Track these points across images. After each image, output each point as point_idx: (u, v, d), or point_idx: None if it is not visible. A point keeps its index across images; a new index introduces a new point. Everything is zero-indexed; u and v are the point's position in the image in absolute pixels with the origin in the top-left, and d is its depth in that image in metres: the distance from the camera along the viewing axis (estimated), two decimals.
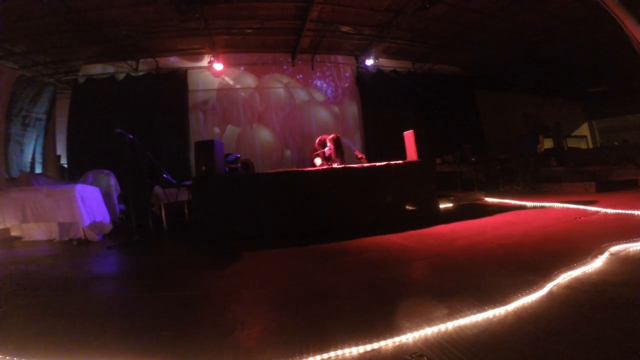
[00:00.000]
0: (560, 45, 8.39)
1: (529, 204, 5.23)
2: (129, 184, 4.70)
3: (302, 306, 1.98)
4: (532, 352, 1.31)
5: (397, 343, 1.44)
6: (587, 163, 7.60)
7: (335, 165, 5.25)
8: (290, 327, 1.70)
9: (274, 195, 4.43)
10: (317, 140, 6.04)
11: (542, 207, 4.87)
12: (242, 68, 8.67)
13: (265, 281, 2.56)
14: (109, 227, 4.96)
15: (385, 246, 3.36)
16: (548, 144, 10.52)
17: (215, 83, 8.53)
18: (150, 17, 6.48)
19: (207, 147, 4.39)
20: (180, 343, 1.58)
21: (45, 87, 8.08)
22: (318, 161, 5.70)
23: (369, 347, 1.42)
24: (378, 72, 9.31)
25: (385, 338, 1.46)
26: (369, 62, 8.70)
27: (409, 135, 5.21)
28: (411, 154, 5.17)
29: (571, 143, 12.25)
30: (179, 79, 8.22)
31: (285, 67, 8.97)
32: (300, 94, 9.03)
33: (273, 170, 5.92)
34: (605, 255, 2.37)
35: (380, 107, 9.22)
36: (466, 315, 1.62)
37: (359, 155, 5.83)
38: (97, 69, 8.13)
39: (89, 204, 4.71)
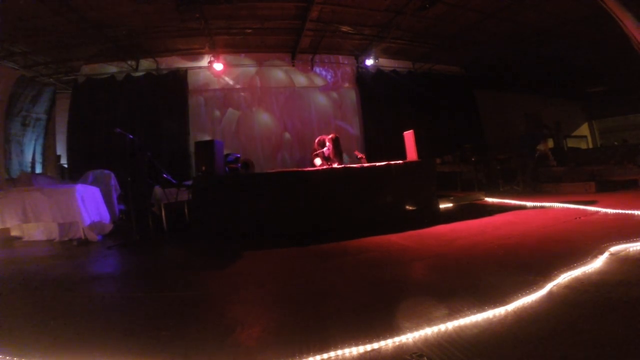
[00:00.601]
0: (560, 45, 8.39)
1: (529, 204, 5.23)
2: (129, 184, 4.69)
3: (302, 306, 1.99)
4: (532, 352, 1.30)
5: (397, 343, 1.44)
6: (587, 163, 7.60)
7: (335, 165, 5.25)
8: (290, 327, 1.69)
9: (274, 195, 4.42)
10: (316, 141, 6.04)
11: (542, 207, 4.87)
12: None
13: (265, 281, 2.56)
14: (109, 227, 4.96)
15: (385, 246, 3.36)
16: (548, 144, 10.50)
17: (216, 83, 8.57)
18: (150, 17, 6.48)
19: (207, 147, 4.39)
20: (180, 343, 1.58)
21: (45, 87, 8.08)
22: (318, 161, 5.70)
23: (369, 347, 1.42)
24: (378, 72, 9.32)
25: (385, 338, 1.46)
26: (369, 62, 8.70)
27: (409, 135, 5.20)
28: (411, 154, 5.17)
29: (571, 143, 12.25)
30: (179, 79, 8.23)
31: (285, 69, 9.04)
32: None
33: (273, 170, 5.92)
34: (605, 255, 2.37)
35: (380, 107, 9.23)
36: (466, 315, 1.62)
37: (359, 155, 5.83)
38: (97, 69, 8.13)
39: (89, 204, 4.71)
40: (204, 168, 4.34)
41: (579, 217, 3.94)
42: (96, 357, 1.46)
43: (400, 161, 5.03)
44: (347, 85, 9.41)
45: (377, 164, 4.85)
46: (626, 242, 2.58)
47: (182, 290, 2.47)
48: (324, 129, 8.12)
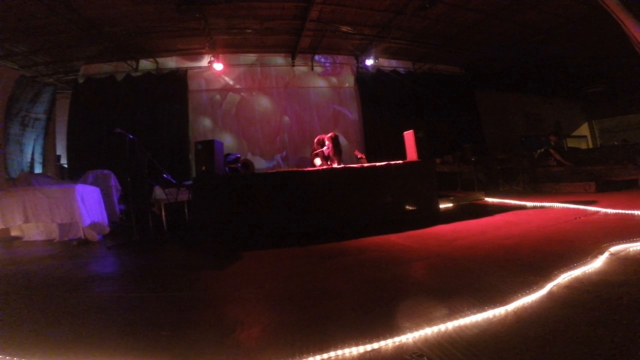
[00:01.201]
0: (560, 45, 8.40)
1: (529, 204, 5.23)
2: (129, 184, 4.69)
3: (302, 306, 1.98)
4: (532, 352, 1.30)
5: (397, 343, 1.44)
6: (587, 163, 7.60)
7: (335, 165, 5.25)
8: (290, 327, 1.69)
9: (274, 195, 4.43)
10: (315, 140, 6.04)
11: (542, 207, 4.87)
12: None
13: (265, 281, 2.56)
14: (108, 227, 4.96)
15: (386, 246, 3.36)
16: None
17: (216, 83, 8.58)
18: (150, 17, 6.47)
19: (207, 147, 4.39)
20: (180, 343, 1.58)
21: (45, 87, 8.07)
22: (318, 161, 5.71)
23: (369, 347, 1.42)
24: (378, 72, 9.31)
25: (385, 338, 1.46)
26: (369, 62, 8.69)
27: (408, 135, 5.21)
28: (411, 154, 5.17)
29: (571, 143, 12.24)
30: (179, 79, 8.23)
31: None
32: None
33: (273, 171, 5.93)
34: (605, 255, 2.37)
35: (380, 107, 9.23)
36: (466, 315, 1.62)
37: (359, 155, 5.84)
38: (97, 69, 8.12)
39: (89, 204, 4.71)
40: (204, 168, 4.34)
41: (579, 217, 3.94)
42: (96, 357, 1.46)
43: (400, 161, 5.03)
44: (347, 85, 9.41)
45: (377, 164, 4.85)
46: (626, 242, 2.58)
47: (182, 290, 2.47)
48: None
